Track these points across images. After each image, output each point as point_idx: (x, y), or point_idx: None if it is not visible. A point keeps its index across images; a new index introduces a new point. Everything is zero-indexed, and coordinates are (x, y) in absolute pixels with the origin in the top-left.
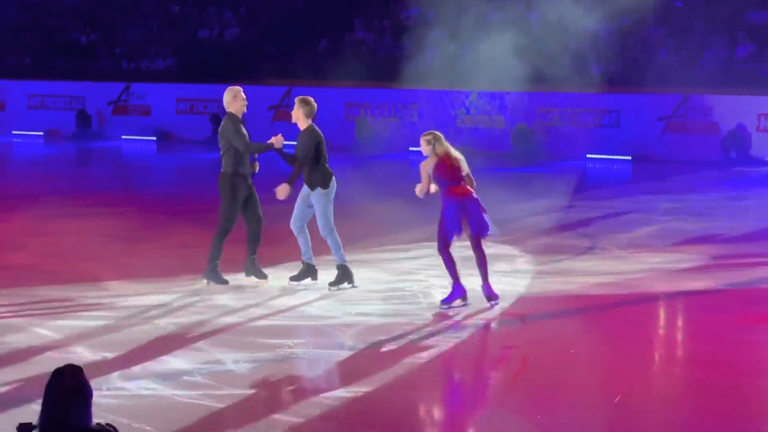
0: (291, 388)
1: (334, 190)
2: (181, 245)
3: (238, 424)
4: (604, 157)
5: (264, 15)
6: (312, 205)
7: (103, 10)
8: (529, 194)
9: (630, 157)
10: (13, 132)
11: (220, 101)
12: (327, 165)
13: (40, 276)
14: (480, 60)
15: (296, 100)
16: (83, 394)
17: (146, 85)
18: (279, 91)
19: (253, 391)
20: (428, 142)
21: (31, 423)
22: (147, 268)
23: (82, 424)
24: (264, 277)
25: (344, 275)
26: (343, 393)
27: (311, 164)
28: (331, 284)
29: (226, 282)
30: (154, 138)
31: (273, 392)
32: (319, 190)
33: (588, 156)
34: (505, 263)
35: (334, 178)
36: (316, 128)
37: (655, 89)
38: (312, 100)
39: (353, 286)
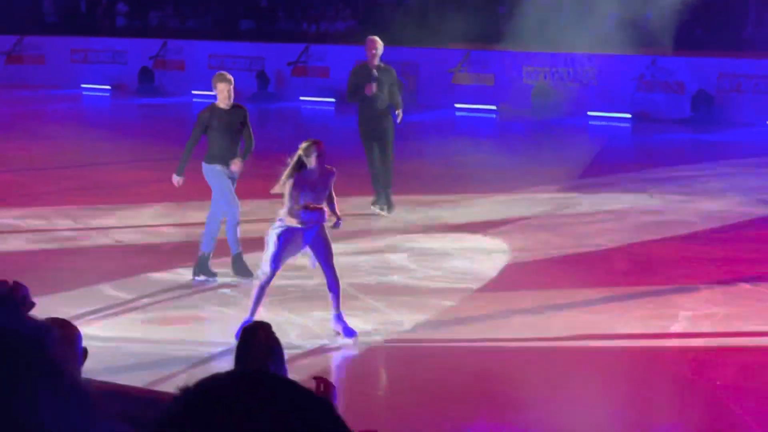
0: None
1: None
2: (362, 207)
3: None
4: None
5: None
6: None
7: None
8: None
9: None
10: (193, 92)
11: (397, 62)
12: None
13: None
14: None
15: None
16: (277, 351)
17: (325, 46)
18: (458, 54)
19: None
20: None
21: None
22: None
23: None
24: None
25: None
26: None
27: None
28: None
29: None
30: (333, 99)
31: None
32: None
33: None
34: None
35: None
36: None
37: None
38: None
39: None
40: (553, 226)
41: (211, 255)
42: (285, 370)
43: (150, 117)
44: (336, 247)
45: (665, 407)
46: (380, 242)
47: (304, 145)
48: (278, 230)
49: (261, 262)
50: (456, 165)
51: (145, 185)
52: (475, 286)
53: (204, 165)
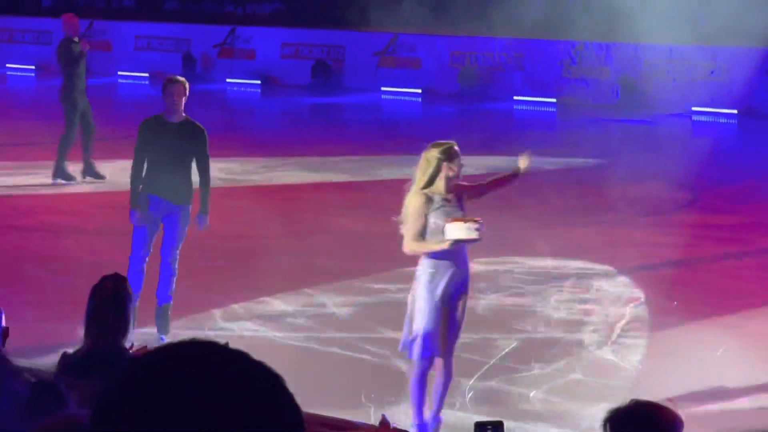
0: (392, 332)
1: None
2: (283, 189)
3: (334, 367)
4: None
5: None
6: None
7: None
8: None
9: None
10: (119, 73)
11: (325, 46)
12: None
13: None
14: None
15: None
16: (121, 304)
17: (252, 28)
18: (385, 37)
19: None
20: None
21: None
22: (251, 210)
23: (119, 337)
24: (102, 177)
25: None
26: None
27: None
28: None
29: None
30: (259, 81)
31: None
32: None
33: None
34: None
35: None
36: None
37: None
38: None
39: None
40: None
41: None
42: (128, 322)
43: None
44: None
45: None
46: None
47: (443, 147)
48: (429, 285)
49: (407, 339)
50: (377, 149)
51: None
52: None
53: None
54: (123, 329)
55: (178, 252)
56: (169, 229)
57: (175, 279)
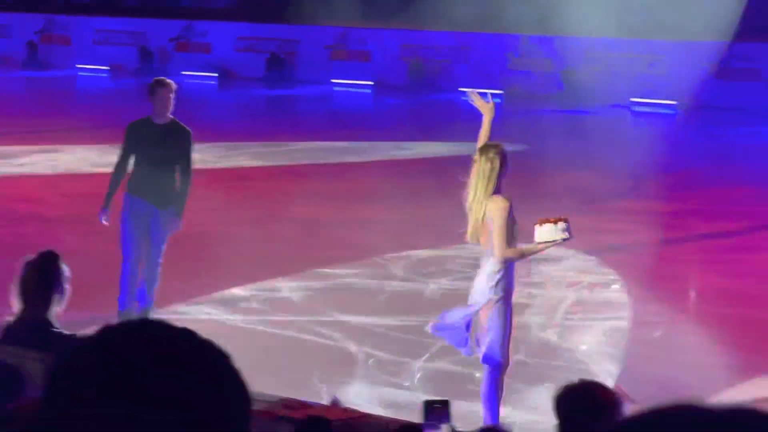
0: (345, 316)
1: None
2: (240, 177)
3: (288, 349)
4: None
5: None
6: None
7: None
8: None
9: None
10: (78, 66)
11: (279, 40)
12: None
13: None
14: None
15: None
16: (46, 277)
17: (207, 23)
18: (336, 31)
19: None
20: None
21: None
22: (206, 198)
23: (43, 310)
24: None
25: None
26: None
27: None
28: None
29: None
30: (215, 74)
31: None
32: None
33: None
34: None
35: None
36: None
37: None
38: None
39: None
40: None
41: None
42: (51, 297)
43: (36, 90)
44: None
45: None
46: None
47: (498, 147)
48: (508, 289)
49: (485, 345)
50: (329, 139)
51: (28, 155)
52: None
53: None
54: (47, 302)
55: (161, 257)
56: (153, 234)
57: (157, 283)
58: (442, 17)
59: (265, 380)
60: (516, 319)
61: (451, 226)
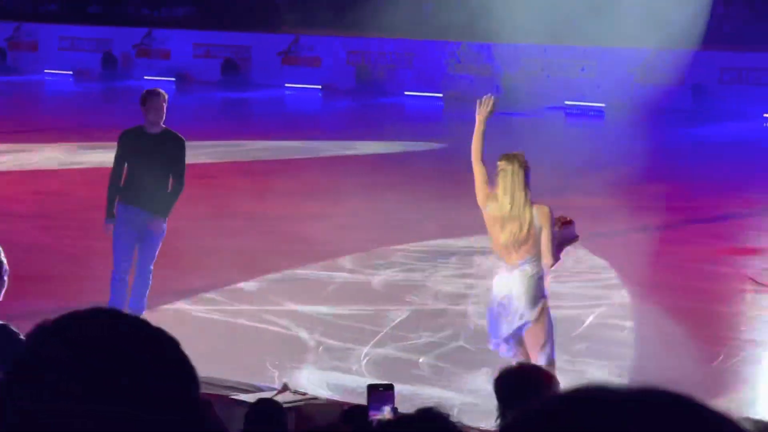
0: (295, 305)
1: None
2: (198, 174)
3: (242, 337)
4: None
5: None
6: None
7: None
8: None
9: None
10: (45, 71)
11: (233, 47)
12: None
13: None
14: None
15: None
16: None
17: (167, 30)
18: (288, 38)
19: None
20: None
21: None
22: None
23: None
24: None
25: None
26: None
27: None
28: None
29: None
30: (173, 79)
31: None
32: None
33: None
34: None
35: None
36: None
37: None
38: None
39: None
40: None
41: None
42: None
43: (5, 94)
44: None
45: None
46: None
47: (523, 154)
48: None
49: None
50: (281, 138)
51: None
52: None
53: None
54: None
55: (152, 264)
56: (146, 241)
57: (148, 290)
58: (387, 25)
59: (220, 366)
60: (456, 308)
61: (395, 221)
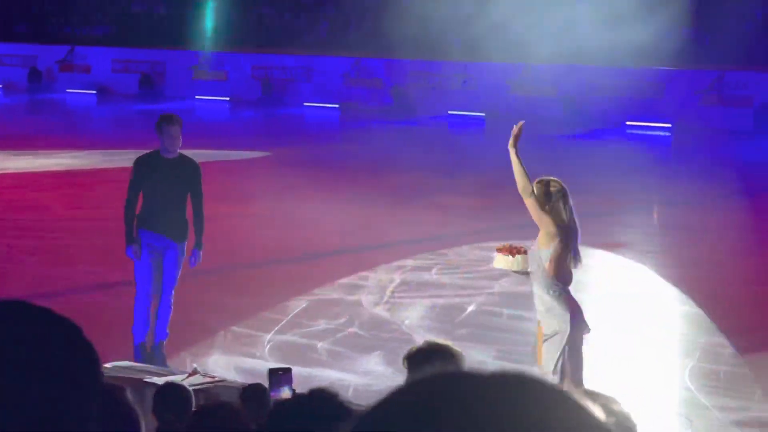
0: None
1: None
2: (117, 179)
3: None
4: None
5: None
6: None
7: None
8: None
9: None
10: None
11: (149, 62)
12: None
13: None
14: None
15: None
16: None
17: (88, 48)
18: (198, 55)
19: None
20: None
21: None
22: (87, 197)
23: None
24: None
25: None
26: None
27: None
28: None
29: None
30: (95, 92)
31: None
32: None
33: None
34: None
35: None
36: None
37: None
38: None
39: None
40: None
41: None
42: None
43: None
44: None
45: None
46: None
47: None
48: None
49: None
50: (192, 146)
51: None
52: None
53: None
54: None
55: (173, 289)
56: (167, 267)
57: (170, 316)
58: (288, 43)
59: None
60: (351, 298)
61: (298, 220)
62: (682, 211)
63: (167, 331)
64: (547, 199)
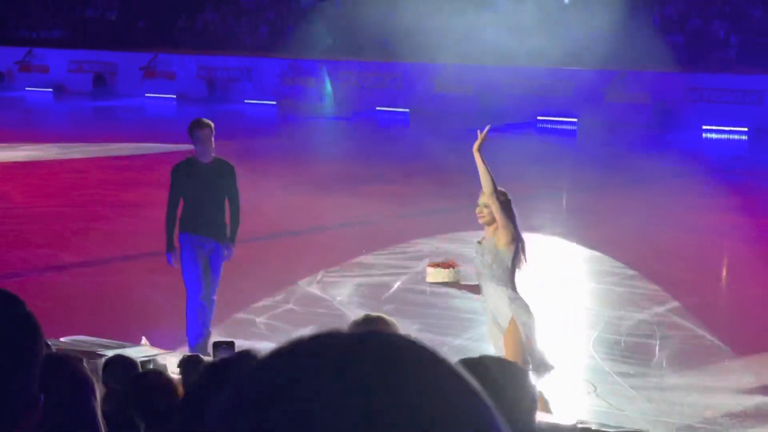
0: (155, 276)
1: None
2: (73, 170)
3: (110, 302)
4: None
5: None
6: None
7: None
8: None
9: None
10: None
11: (102, 63)
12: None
13: None
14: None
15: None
16: None
17: (45, 50)
18: (148, 56)
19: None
20: None
21: None
22: (46, 186)
23: None
24: None
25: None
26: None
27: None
28: None
29: None
30: (51, 90)
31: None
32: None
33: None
34: None
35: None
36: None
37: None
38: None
39: None
40: None
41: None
42: None
43: None
44: None
45: None
46: None
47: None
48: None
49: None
50: (142, 139)
51: None
52: None
53: None
54: None
55: (215, 293)
56: (214, 268)
57: (212, 318)
58: (231, 45)
59: (91, 327)
60: (287, 277)
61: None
62: (588, 197)
63: (209, 330)
64: (507, 205)
